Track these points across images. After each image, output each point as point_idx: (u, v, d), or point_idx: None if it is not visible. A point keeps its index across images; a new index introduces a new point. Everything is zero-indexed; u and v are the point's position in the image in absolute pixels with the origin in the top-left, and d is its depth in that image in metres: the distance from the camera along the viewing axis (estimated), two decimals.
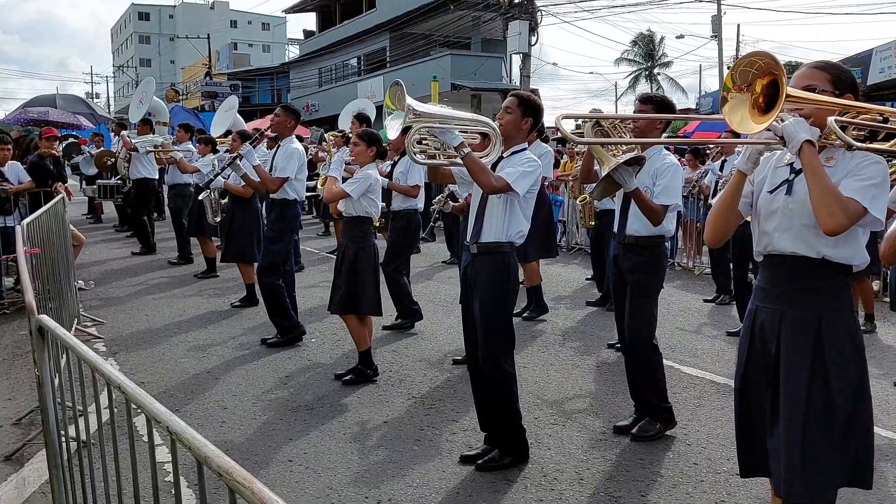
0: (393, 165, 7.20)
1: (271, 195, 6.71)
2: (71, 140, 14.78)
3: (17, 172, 8.42)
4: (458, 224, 6.99)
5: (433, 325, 7.22)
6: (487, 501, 3.69)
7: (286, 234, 6.68)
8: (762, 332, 2.61)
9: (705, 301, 8.48)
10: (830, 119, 2.38)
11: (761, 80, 2.30)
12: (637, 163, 4.11)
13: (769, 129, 2.38)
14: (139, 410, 1.89)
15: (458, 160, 3.85)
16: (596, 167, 4.43)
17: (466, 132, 3.96)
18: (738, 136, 2.68)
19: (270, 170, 6.63)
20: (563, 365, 6.03)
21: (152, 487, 1.93)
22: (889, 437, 4.49)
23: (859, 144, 2.41)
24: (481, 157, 3.88)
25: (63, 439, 2.72)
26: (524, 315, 7.44)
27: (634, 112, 4.58)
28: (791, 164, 2.58)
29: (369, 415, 4.89)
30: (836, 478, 2.45)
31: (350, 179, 5.61)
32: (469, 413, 4.62)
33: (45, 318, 2.57)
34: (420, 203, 7.26)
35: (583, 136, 4.33)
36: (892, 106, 2.76)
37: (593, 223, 8.49)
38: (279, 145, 6.76)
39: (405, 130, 3.82)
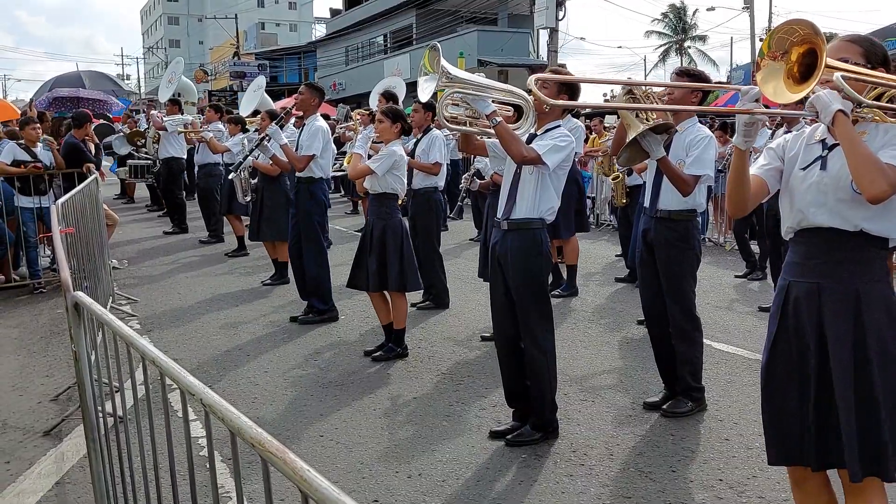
0: (415, 143, 7.17)
1: (297, 174, 6.75)
2: (102, 122, 14.93)
3: (48, 153, 8.54)
4: (485, 200, 6.94)
5: (461, 302, 7.23)
6: (517, 477, 3.71)
7: (317, 214, 6.71)
8: (796, 308, 2.56)
9: (736, 277, 8.39)
10: (836, 75, 2.31)
11: (798, 48, 2.24)
12: (665, 130, 4.03)
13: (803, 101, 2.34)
14: (174, 386, 1.92)
15: (490, 129, 3.83)
16: None
17: (499, 103, 3.93)
18: (766, 108, 2.64)
19: (297, 149, 6.65)
20: (592, 341, 6.02)
21: (187, 461, 1.96)
22: None
23: (868, 101, 2.36)
24: (513, 129, 3.85)
25: (100, 415, 2.77)
26: (554, 293, 7.40)
27: None
28: (823, 141, 2.54)
29: (398, 391, 4.92)
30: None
31: (375, 156, 5.61)
32: (497, 389, 4.63)
33: (81, 295, 2.61)
34: (441, 181, 7.21)
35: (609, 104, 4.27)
36: None
37: (625, 201, 8.41)
38: (304, 124, 6.78)
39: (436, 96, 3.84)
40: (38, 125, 8.72)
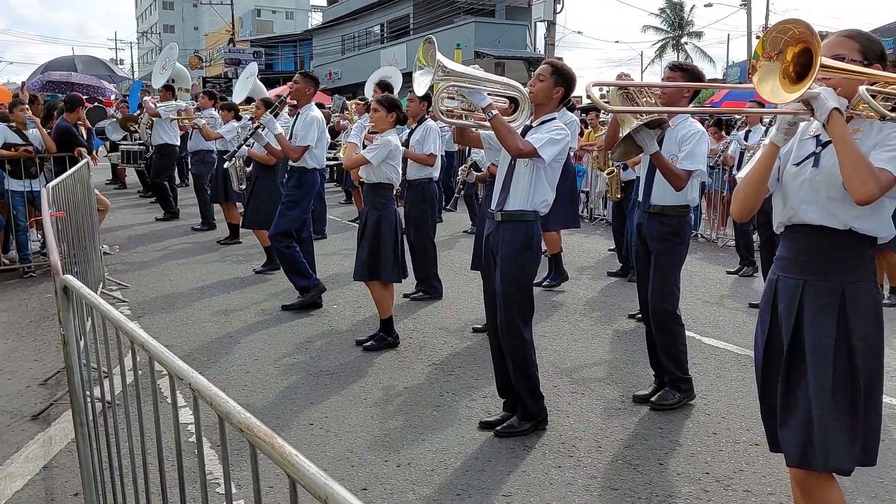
0: (410, 134, 7.14)
1: (291, 163, 6.73)
2: (96, 105, 14.83)
3: (38, 136, 8.48)
4: (476, 193, 6.94)
5: (454, 293, 7.23)
6: (506, 467, 3.71)
7: (303, 201, 6.71)
8: (782, 302, 2.58)
9: (728, 273, 8.41)
10: (862, 88, 2.32)
11: (793, 48, 2.24)
12: (658, 125, 4.06)
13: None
14: (163, 372, 1.91)
15: (486, 122, 3.83)
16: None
17: (495, 95, 3.93)
18: (762, 105, 2.64)
19: (290, 138, 6.63)
20: (584, 335, 6.03)
21: (175, 447, 1.96)
22: (889, 403, 4.43)
23: (893, 115, 2.35)
24: (508, 122, 3.85)
25: (88, 399, 2.76)
26: (544, 284, 7.42)
27: (663, 80, 4.52)
28: (817, 137, 2.54)
29: (390, 380, 4.92)
30: (857, 448, 2.43)
31: (370, 146, 5.60)
32: (488, 380, 4.64)
33: (70, 278, 2.60)
34: (436, 172, 7.18)
35: (609, 103, 4.27)
36: None
37: (619, 196, 8.45)
38: (299, 113, 6.75)
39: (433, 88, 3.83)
40: (26, 106, 8.65)
